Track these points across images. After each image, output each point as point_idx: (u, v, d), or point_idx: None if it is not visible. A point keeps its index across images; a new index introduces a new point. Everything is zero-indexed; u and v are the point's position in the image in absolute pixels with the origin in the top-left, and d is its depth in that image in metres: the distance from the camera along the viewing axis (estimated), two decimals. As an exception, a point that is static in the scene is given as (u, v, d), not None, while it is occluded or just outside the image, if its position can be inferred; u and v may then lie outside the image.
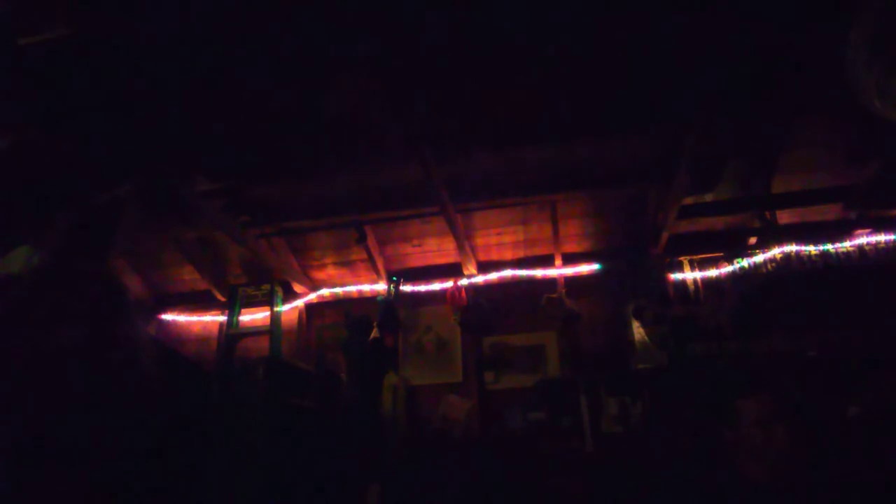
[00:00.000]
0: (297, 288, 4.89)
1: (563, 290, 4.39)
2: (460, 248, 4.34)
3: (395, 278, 4.62)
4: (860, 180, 3.84)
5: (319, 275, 4.99)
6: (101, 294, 0.93)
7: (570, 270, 4.52)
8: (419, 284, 4.73)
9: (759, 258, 4.10)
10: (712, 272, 4.27)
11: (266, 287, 4.48)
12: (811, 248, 3.99)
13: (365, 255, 4.66)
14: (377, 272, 4.78)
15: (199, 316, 5.17)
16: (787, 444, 1.71)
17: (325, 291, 4.96)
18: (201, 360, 4.71)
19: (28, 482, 0.78)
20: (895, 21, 1.68)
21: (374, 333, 4.34)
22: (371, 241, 4.49)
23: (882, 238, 3.91)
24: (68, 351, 0.82)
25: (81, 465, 0.84)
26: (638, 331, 4.04)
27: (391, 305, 4.46)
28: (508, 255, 4.72)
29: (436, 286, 4.68)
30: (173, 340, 5.10)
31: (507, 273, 4.59)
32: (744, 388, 1.85)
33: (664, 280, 4.24)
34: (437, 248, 4.72)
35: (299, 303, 4.95)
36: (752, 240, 4.31)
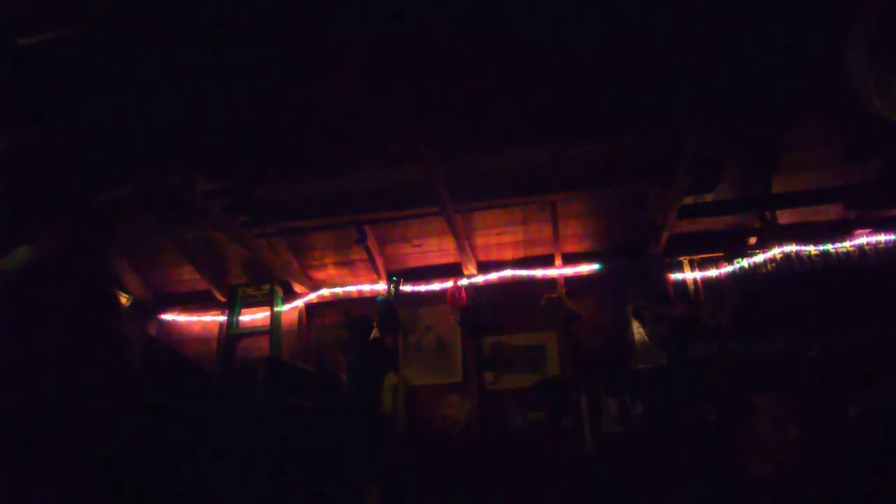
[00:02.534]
0: (297, 288, 4.89)
1: (563, 290, 4.39)
2: (460, 248, 4.34)
3: (395, 278, 4.62)
4: (860, 180, 3.84)
5: (319, 275, 4.99)
6: (85, 292, 0.94)
7: (570, 270, 4.52)
8: (419, 284, 4.73)
9: (759, 258, 4.10)
10: (712, 272, 4.26)
11: (266, 287, 4.48)
12: (811, 248, 3.99)
13: (365, 255, 4.66)
14: (377, 272, 4.78)
15: (199, 316, 5.17)
16: (799, 444, 1.72)
17: (325, 291, 4.95)
18: (201, 360, 4.70)
19: (17, 478, 0.78)
20: (895, 21, 1.68)
21: (374, 333, 4.34)
22: (371, 241, 4.49)
23: (882, 238, 3.91)
24: (51, 349, 0.82)
25: (70, 460, 0.84)
26: (638, 331, 4.04)
27: (391, 305, 4.46)
28: (508, 255, 4.72)
29: (436, 286, 4.68)
30: (173, 340, 5.10)
31: (507, 273, 4.59)
32: (761, 384, 1.87)
33: (664, 280, 4.24)
34: (437, 248, 4.72)
35: (299, 303, 4.95)
36: (752, 240, 4.31)
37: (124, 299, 4.76)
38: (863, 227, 4.04)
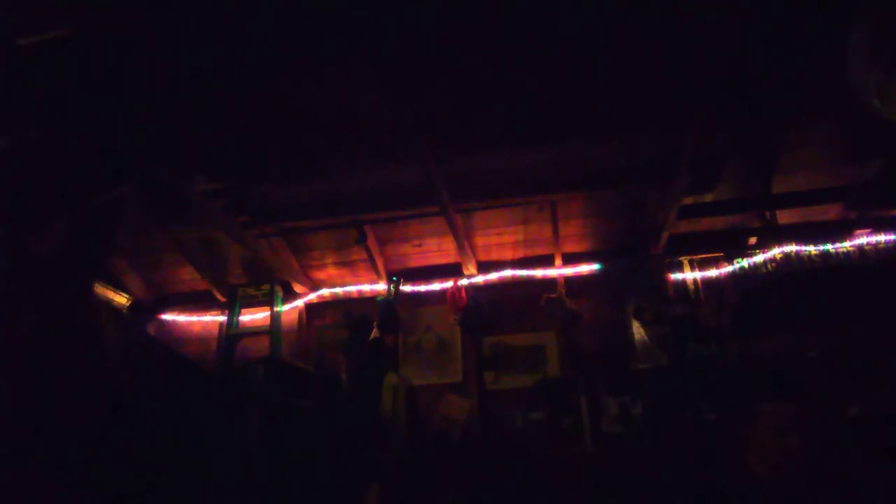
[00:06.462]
0: (297, 288, 4.89)
1: (563, 290, 4.39)
2: (460, 248, 4.34)
3: (395, 278, 4.62)
4: (860, 180, 3.84)
5: (319, 275, 4.99)
6: (51, 280, 0.93)
7: (570, 270, 4.51)
8: (419, 284, 4.73)
9: (759, 258, 4.10)
10: (712, 272, 4.26)
11: (266, 287, 4.48)
12: (811, 248, 4.00)
13: (365, 255, 4.65)
14: (377, 272, 4.78)
15: (199, 316, 5.17)
16: (800, 454, 1.72)
17: (325, 291, 4.95)
18: (201, 360, 4.70)
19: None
20: (895, 21, 1.69)
21: (374, 333, 4.34)
22: (371, 241, 4.48)
23: (882, 238, 3.91)
24: (19, 341, 0.82)
25: (50, 456, 0.84)
26: (638, 331, 4.04)
27: (391, 305, 4.46)
28: (508, 255, 4.71)
29: (436, 286, 4.68)
30: (173, 340, 5.10)
31: (507, 273, 4.59)
32: (766, 393, 1.86)
33: (664, 280, 4.24)
34: (437, 248, 4.72)
35: (299, 303, 4.95)
36: (752, 240, 4.31)
37: (124, 299, 4.76)
38: (863, 227, 4.04)
